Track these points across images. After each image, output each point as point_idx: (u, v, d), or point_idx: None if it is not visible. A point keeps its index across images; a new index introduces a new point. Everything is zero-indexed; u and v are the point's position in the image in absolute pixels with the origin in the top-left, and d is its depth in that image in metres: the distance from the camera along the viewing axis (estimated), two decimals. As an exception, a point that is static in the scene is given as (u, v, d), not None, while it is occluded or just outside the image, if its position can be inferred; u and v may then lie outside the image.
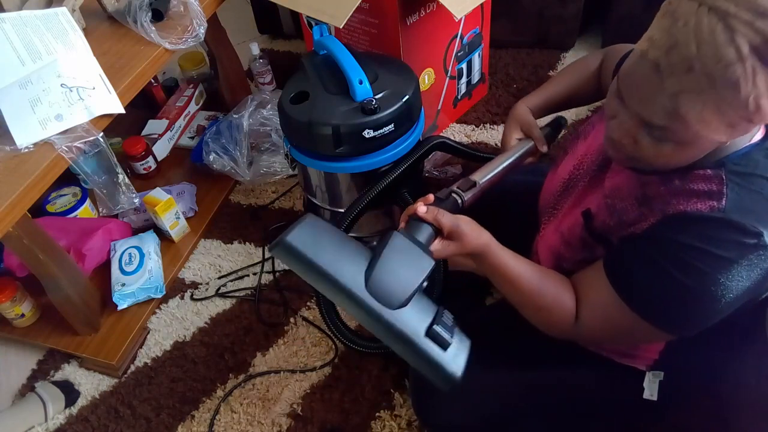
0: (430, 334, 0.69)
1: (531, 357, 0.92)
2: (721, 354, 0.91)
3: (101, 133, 1.06)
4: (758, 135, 0.72)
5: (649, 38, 0.63)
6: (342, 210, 1.38)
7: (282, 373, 1.32)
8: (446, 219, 0.81)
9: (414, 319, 0.70)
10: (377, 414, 1.22)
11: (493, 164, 1.02)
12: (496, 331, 1.01)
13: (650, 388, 0.86)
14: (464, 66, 1.77)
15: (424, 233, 0.79)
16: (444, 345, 0.69)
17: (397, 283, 0.70)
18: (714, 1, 0.57)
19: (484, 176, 0.99)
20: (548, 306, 0.83)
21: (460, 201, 0.90)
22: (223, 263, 1.57)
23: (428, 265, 0.74)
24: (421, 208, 0.82)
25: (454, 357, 0.69)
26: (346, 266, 0.70)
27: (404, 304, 0.70)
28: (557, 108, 1.06)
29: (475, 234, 0.82)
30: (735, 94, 0.58)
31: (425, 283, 0.74)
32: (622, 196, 0.79)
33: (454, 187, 0.92)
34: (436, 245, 0.81)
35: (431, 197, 0.87)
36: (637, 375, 0.87)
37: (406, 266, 0.72)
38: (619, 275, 0.77)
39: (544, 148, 0.96)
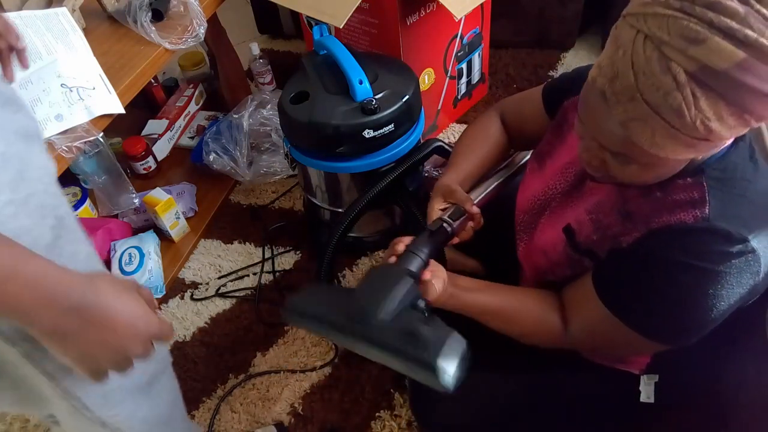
0: (406, 332, 0.69)
1: (529, 359, 0.92)
2: (720, 354, 0.91)
3: (101, 133, 1.06)
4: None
5: (598, 65, 0.63)
6: (342, 210, 1.38)
7: (282, 372, 1.32)
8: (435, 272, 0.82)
9: (393, 329, 0.70)
10: (377, 414, 1.22)
11: (484, 184, 1.04)
12: (494, 333, 1.01)
13: (646, 391, 0.86)
14: (464, 66, 1.77)
15: (413, 262, 0.81)
16: (424, 345, 0.67)
17: (373, 302, 0.72)
18: (650, 29, 0.57)
19: (475, 198, 1.01)
20: (530, 331, 0.85)
21: (449, 228, 0.92)
22: (223, 263, 1.57)
23: (405, 282, 0.75)
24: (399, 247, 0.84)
25: (440, 351, 0.67)
26: (334, 307, 0.76)
27: (384, 319, 0.71)
28: (475, 179, 1.05)
29: (442, 289, 0.83)
30: (680, 119, 0.57)
31: (423, 304, 0.75)
32: (605, 210, 0.78)
33: (445, 216, 0.94)
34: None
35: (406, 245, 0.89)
36: (632, 378, 0.87)
37: (383, 287, 0.74)
38: (608, 291, 0.77)
39: (474, 209, 0.96)
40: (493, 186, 1.04)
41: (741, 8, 0.53)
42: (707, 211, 0.68)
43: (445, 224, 0.91)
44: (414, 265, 0.80)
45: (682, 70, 0.55)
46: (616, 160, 0.67)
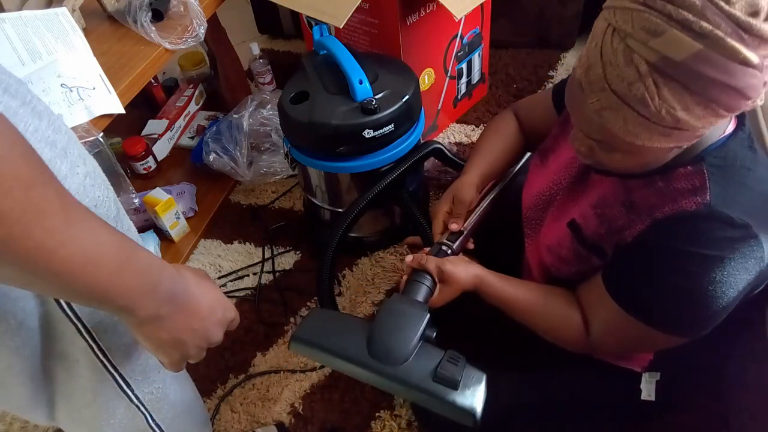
0: (437, 378, 0.73)
1: (530, 358, 0.92)
2: (721, 354, 0.91)
3: (101, 133, 1.06)
4: (731, 126, 0.72)
5: (579, 57, 0.66)
6: (342, 210, 1.38)
7: (282, 372, 1.32)
8: (430, 263, 0.86)
9: (419, 369, 0.74)
10: (377, 414, 1.22)
11: (479, 205, 1.06)
12: (495, 332, 1.01)
13: (647, 389, 0.87)
14: (464, 66, 1.77)
15: (419, 291, 0.86)
16: (454, 384, 0.72)
17: (395, 343, 0.76)
18: (617, 21, 0.60)
19: (470, 220, 1.03)
20: (556, 327, 0.85)
21: (449, 251, 0.95)
22: (223, 263, 1.57)
23: (423, 318, 0.79)
24: (407, 258, 0.89)
25: (468, 393, 0.72)
26: (349, 341, 0.78)
27: (407, 359, 0.75)
28: (495, 175, 1.07)
29: (464, 270, 0.87)
30: (646, 109, 0.60)
31: (434, 333, 0.79)
32: (609, 203, 0.79)
33: (443, 239, 0.97)
34: (433, 296, 0.87)
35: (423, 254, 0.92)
36: (634, 376, 0.88)
37: (402, 325, 0.78)
38: (619, 288, 0.77)
39: (454, 226, 0.97)
40: (483, 206, 1.06)
41: (698, 1, 0.55)
42: (708, 197, 0.68)
43: (445, 248, 0.95)
44: (422, 295, 0.85)
45: (644, 61, 0.58)
46: (600, 147, 0.69)
